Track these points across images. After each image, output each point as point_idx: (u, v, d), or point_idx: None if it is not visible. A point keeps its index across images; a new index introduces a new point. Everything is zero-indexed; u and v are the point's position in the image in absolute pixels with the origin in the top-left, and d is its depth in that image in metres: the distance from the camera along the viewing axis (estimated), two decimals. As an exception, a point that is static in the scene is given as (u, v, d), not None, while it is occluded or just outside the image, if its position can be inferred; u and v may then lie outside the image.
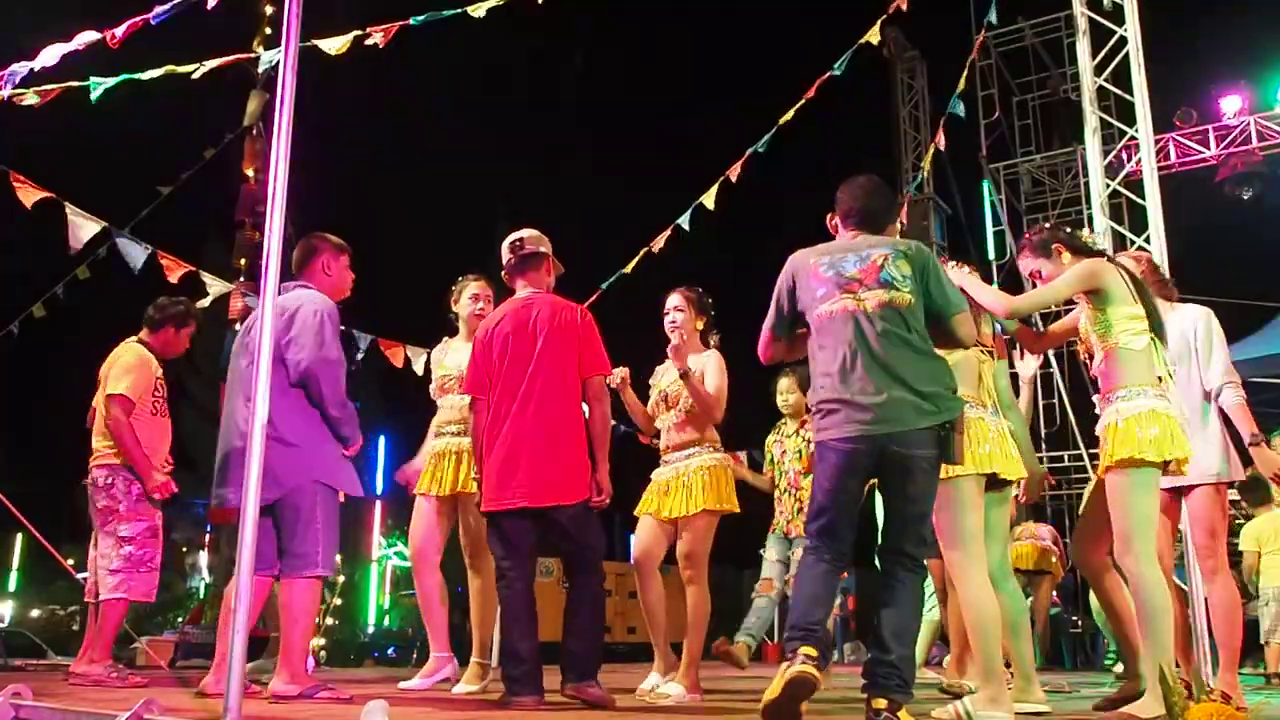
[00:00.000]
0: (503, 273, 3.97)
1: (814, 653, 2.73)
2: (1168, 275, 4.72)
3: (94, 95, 5.74)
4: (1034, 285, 3.79)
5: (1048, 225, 3.86)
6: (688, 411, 4.38)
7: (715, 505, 4.26)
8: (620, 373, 4.43)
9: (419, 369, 6.80)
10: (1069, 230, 3.84)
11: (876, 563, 3.06)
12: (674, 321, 4.46)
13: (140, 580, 4.58)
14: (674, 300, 4.53)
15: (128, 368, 4.74)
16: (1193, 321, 4.08)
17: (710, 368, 4.37)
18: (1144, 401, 3.34)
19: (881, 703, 2.77)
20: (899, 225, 3.93)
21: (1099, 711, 3.71)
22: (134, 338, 4.97)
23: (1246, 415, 3.93)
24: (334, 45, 5.87)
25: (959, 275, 3.57)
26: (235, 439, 3.70)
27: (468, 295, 4.75)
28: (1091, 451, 8.03)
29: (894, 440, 2.92)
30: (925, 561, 3.05)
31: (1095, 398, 3.60)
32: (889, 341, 2.98)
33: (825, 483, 2.99)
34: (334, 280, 4.02)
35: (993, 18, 7.46)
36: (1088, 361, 3.66)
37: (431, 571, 4.60)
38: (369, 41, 5.93)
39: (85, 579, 4.99)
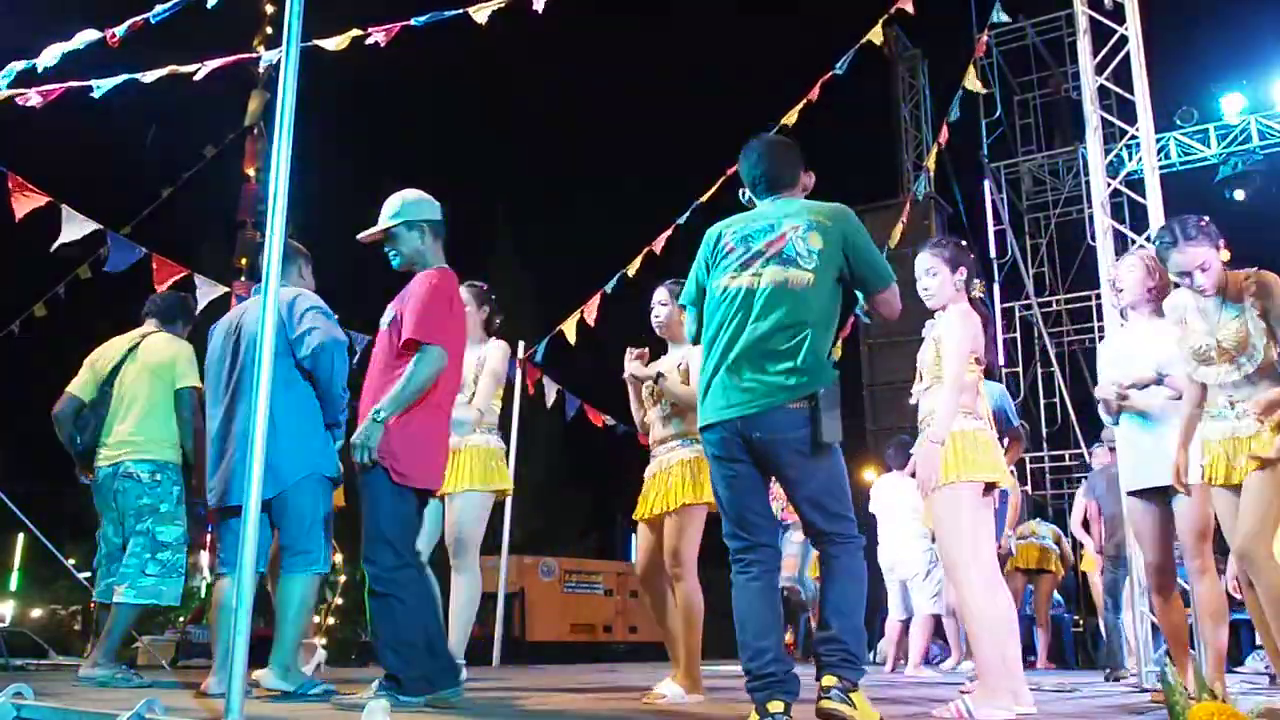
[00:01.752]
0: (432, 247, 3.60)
1: (782, 707, 2.65)
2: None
3: (98, 94, 5.74)
4: (1191, 277, 3.51)
5: (1200, 217, 3.57)
6: (674, 403, 4.18)
7: (694, 499, 4.01)
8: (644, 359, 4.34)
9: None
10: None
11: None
12: (658, 316, 4.39)
13: (171, 587, 4.48)
14: (659, 295, 4.44)
15: (192, 359, 4.58)
16: None
17: (694, 363, 4.18)
18: None
19: (831, 679, 2.71)
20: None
21: None
22: (152, 331, 4.69)
23: None
24: (334, 45, 5.87)
25: None
26: (227, 439, 3.72)
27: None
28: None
29: (754, 425, 2.78)
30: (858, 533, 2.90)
31: (1240, 405, 3.48)
32: (770, 322, 2.83)
33: (714, 474, 2.92)
34: (308, 284, 4.05)
35: (999, 16, 7.43)
36: (1223, 365, 3.50)
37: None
38: (369, 41, 5.93)
39: (87, 577, 4.89)
